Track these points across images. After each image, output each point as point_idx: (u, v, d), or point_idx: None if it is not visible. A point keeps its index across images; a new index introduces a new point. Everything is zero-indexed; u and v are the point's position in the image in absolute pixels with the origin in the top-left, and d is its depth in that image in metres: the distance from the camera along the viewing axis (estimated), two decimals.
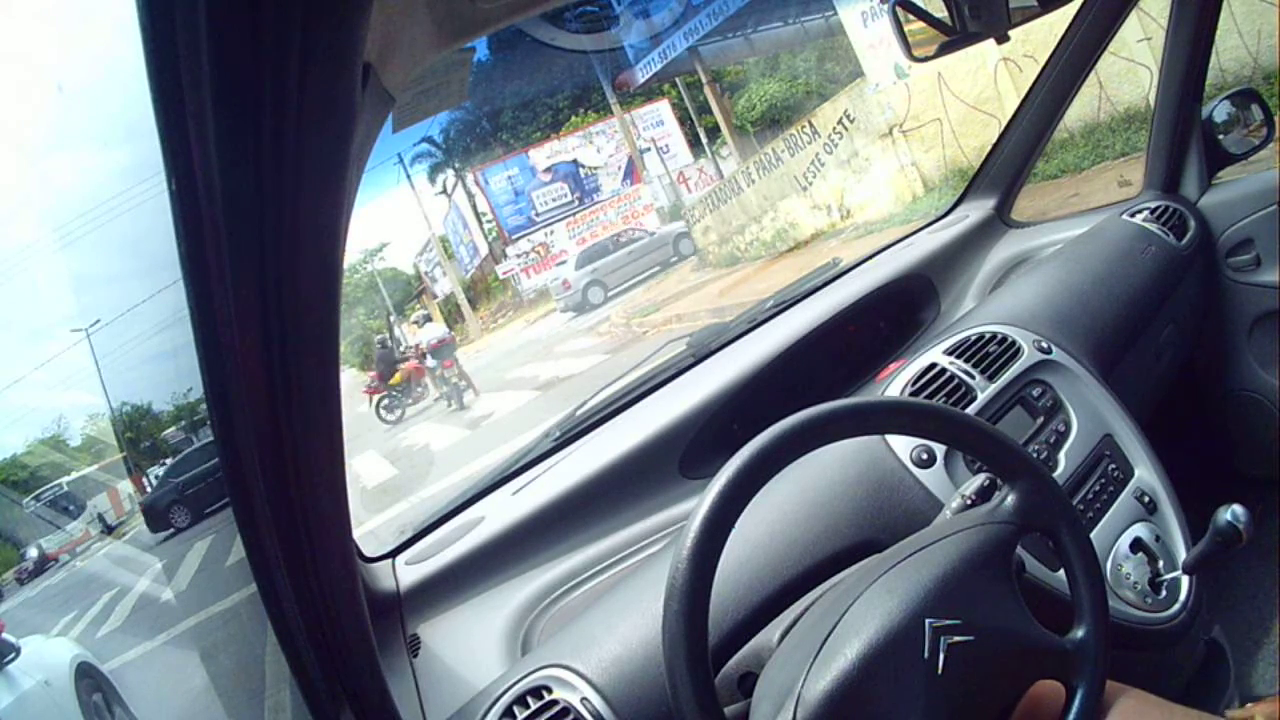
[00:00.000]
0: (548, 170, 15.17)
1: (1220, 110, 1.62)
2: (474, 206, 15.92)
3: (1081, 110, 5.72)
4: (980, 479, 0.84)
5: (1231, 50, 4.70)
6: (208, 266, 0.43)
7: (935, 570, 0.66)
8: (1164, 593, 0.97)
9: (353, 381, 16.89)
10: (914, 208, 7.25)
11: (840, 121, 8.08)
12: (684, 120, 14.77)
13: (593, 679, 0.76)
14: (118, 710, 3.30)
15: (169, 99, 0.38)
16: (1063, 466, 1.06)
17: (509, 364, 10.45)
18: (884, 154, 7.63)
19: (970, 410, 1.07)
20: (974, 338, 1.19)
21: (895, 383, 1.11)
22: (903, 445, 0.97)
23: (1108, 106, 5.66)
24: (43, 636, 4.24)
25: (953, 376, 1.11)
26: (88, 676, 3.25)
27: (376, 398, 9.32)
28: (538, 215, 15.04)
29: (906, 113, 7.23)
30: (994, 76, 6.25)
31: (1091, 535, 0.86)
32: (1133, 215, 1.57)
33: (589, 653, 0.79)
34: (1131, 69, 5.38)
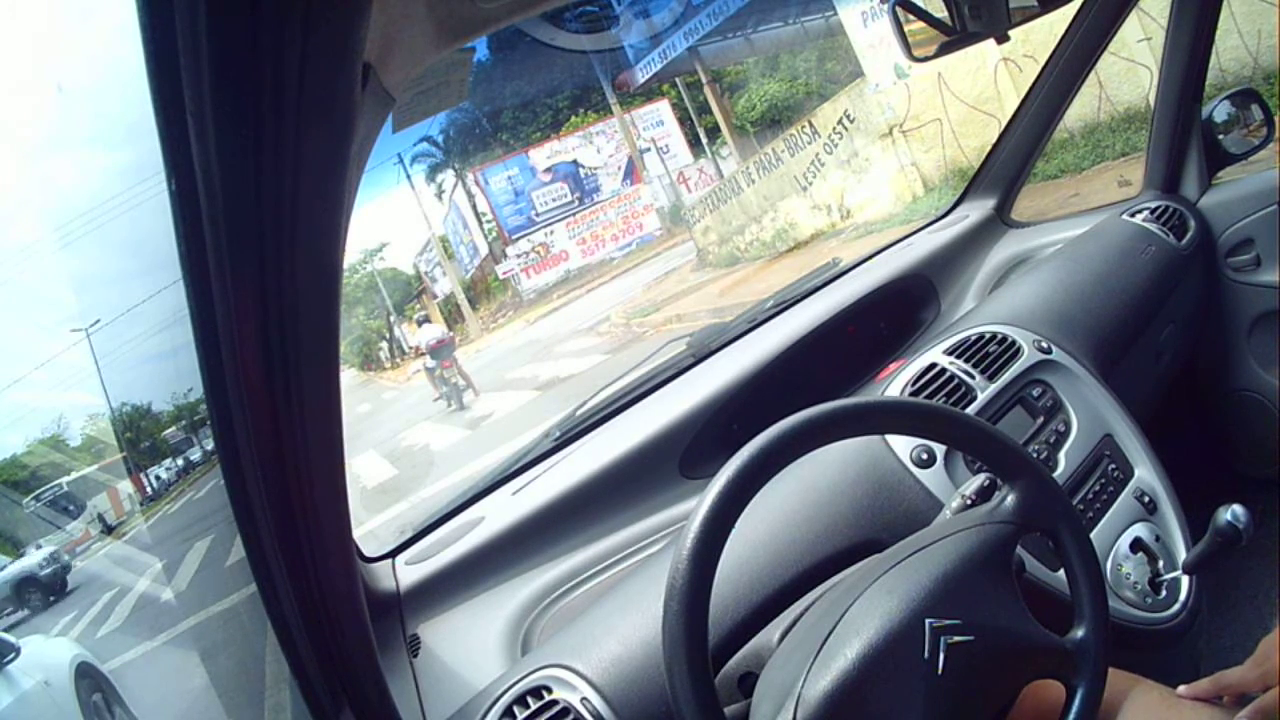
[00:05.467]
0: (548, 170, 15.17)
1: (1220, 110, 1.62)
2: (474, 206, 15.91)
3: (1081, 110, 5.72)
4: (980, 479, 0.84)
5: (1232, 50, 4.70)
6: (208, 266, 0.43)
7: (935, 570, 0.66)
8: (1164, 593, 0.97)
9: (352, 381, 16.92)
10: (914, 208, 7.25)
11: (840, 121, 8.08)
12: (684, 120, 14.77)
13: (593, 679, 0.76)
14: (118, 710, 3.29)
15: (169, 99, 0.38)
16: (1063, 466, 1.06)
17: (509, 364, 10.44)
18: (884, 154, 7.63)
19: (970, 410, 1.07)
20: (974, 338, 1.19)
21: (895, 383, 1.11)
22: (903, 445, 0.97)
23: (1108, 106, 5.66)
24: (43, 636, 4.23)
25: (953, 376, 1.11)
26: (88, 676, 3.23)
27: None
28: (538, 215, 15.04)
29: (907, 113, 7.22)
30: (994, 76, 6.25)
31: (1091, 535, 0.86)
32: (1133, 215, 1.57)
33: (589, 653, 0.79)
34: (1131, 69, 5.38)
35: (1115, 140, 5.61)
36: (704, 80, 11.39)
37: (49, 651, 3.42)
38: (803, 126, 8.67)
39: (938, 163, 7.19)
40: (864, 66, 7.49)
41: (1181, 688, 0.79)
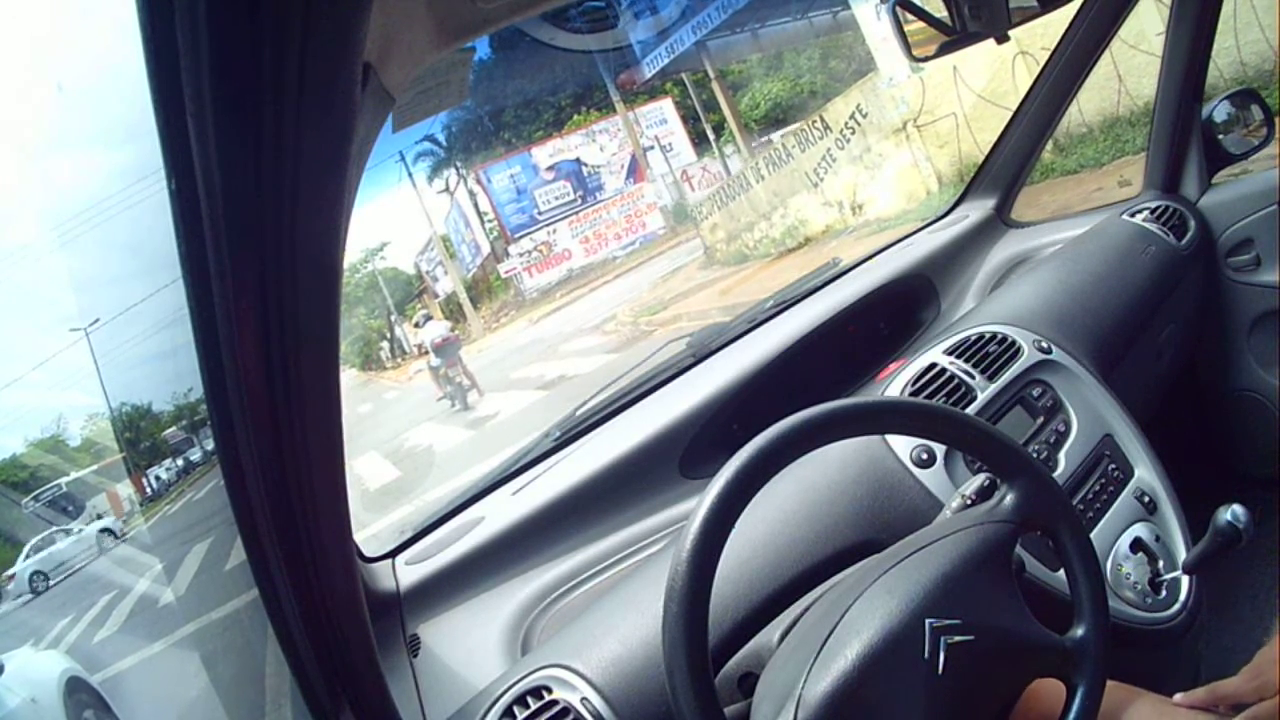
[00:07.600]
0: (550, 168, 15.16)
1: (1220, 110, 1.62)
2: (476, 205, 15.90)
3: (1101, 105, 5.60)
4: (980, 479, 0.84)
5: (1252, 44, 4.63)
6: (208, 266, 0.43)
7: (935, 570, 0.66)
8: (1164, 593, 0.97)
9: (353, 381, 16.91)
10: (928, 204, 7.12)
11: (853, 116, 7.91)
12: (687, 118, 14.76)
13: (593, 679, 0.77)
14: None
15: (169, 99, 0.38)
16: (1063, 466, 1.06)
17: (513, 363, 10.42)
18: (897, 149, 7.48)
19: (970, 410, 1.07)
20: (974, 338, 1.19)
21: (895, 383, 1.11)
22: (903, 445, 0.97)
23: (1127, 100, 5.53)
24: (31, 649, 4.02)
25: (953, 376, 1.11)
26: (78, 691, 3.08)
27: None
28: (540, 214, 15.03)
29: (921, 107, 7.07)
30: (1012, 69, 6.03)
31: (1091, 535, 0.86)
32: (1133, 215, 1.57)
33: (589, 653, 0.79)
34: (1152, 62, 5.25)
35: (1135, 135, 5.46)
36: (711, 76, 11.32)
37: (36, 665, 3.28)
38: (813, 121, 8.52)
39: (952, 158, 7.05)
40: (877, 60, 7.36)
41: (1178, 696, 0.80)
